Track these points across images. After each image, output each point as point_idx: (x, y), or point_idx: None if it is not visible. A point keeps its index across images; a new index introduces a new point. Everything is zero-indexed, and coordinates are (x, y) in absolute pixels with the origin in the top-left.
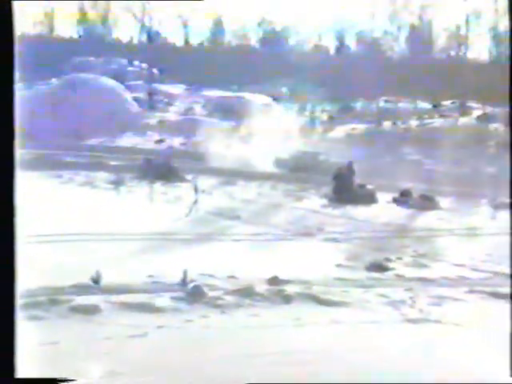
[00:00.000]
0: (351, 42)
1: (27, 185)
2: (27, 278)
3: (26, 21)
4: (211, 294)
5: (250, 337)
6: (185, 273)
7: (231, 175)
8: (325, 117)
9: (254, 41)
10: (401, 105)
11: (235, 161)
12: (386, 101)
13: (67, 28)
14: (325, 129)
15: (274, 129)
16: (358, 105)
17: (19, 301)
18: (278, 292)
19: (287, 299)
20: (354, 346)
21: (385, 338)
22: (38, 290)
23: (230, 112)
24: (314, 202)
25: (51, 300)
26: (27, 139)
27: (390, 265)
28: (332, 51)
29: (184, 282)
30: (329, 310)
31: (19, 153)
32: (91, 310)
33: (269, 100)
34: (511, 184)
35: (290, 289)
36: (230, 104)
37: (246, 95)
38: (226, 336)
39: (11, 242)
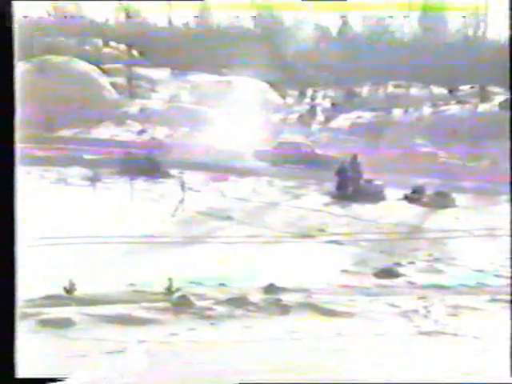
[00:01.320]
0: (355, 22)
1: None
2: None
3: None
4: (199, 303)
5: (242, 352)
6: (170, 280)
7: (222, 170)
8: (327, 104)
9: (246, 20)
10: (413, 90)
11: (226, 154)
12: (395, 86)
13: (36, 6)
14: (327, 117)
15: (268, 118)
16: (364, 90)
17: None
18: (274, 301)
19: (285, 310)
20: (359, 360)
21: (395, 353)
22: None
23: (220, 99)
24: (315, 199)
25: (19, 313)
26: None
27: (401, 270)
28: (334, 32)
29: (169, 291)
30: (332, 321)
31: None
32: (64, 324)
33: (263, 85)
34: (511, 183)
35: (287, 298)
36: (220, 90)
37: (238, 80)
38: (216, 351)
39: (11, 245)
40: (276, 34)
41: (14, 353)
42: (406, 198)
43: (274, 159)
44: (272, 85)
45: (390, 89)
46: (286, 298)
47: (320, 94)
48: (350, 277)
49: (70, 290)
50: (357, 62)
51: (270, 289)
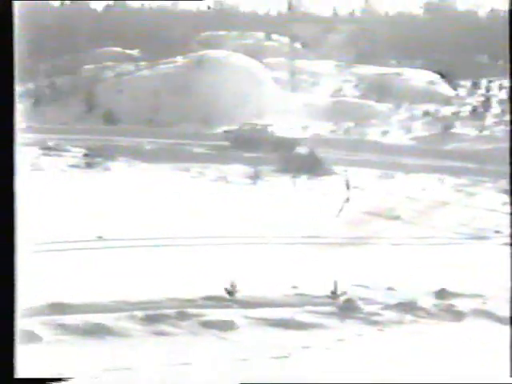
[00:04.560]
0: None
1: (152, 180)
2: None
3: None
4: (366, 308)
5: (412, 360)
6: (335, 284)
7: (390, 167)
8: (503, 95)
9: (416, 7)
10: None
11: (393, 149)
12: None
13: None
14: (503, 110)
15: (438, 111)
16: None
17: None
18: (446, 307)
19: (458, 316)
20: None
21: None
22: (163, 301)
23: (388, 92)
24: (491, 198)
25: (180, 313)
26: (149, 125)
27: None
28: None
29: (334, 295)
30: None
31: (140, 142)
32: (226, 326)
33: (435, 77)
34: (511, 182)
35: (461, 304)
36: (387, 83)
37: (407, 71)
38: (385, 358)
39: (9, 250)
40: (447, 19)
41: (13, 353)
42: None
43: (236, 139)
44: (443, 76)
45: None
46: (459, 303)
47: (495, 85)
48: None
49: (231, 292)
50: None
51: (442, 294)
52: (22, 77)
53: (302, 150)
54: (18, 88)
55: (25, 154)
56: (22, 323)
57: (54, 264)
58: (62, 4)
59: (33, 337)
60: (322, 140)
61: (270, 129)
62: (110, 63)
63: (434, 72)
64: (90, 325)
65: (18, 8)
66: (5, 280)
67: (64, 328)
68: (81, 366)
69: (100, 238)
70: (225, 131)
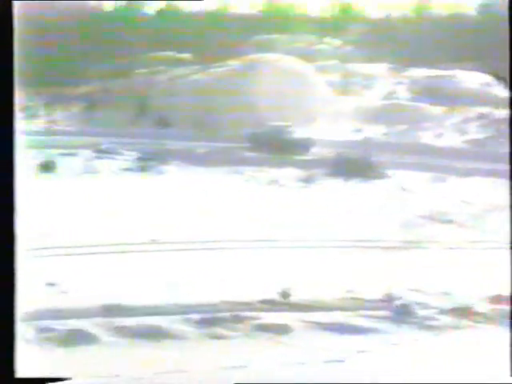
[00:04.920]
0: None
1: (205, 183)
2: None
3: None
4: (422, 312)
5: (469, 366)
6: (390, 288)
7: (443, 170)
8: None
9: (469, 8)
10: None
11: (444, 153)
12: None
13: (246, 2)
14: None
15: (496, 115)
16: None
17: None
18: (502, 312)
19: None
20: None
21: None
22: (218, 304)
23: (441, 95)
24: None
25: (235, 317)
26: (202, 129)
27: None
28: None
29: (389, 299)
30: None
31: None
32: (280, 329)
33: (489, 79)
34: (511, 182)
35: None
36: (441, 85)
37: (460, 73)
38: (440, 363)
39: (8, 254)
40: (501, 21)
41: (13, 353)
42: None
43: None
44: (498, 78)
45: None
46: None
47: None
48: None
49: (286, 295)
50: None
51: (498, 299)
52: (75, 80)
53: (354, 152)
54: (72, 91)
55: (78, 157)
56: (78, 324)
57: (110, 266)
58: (115, 9)
59: (90, 338)
60: (374, 143)
61: (289, 129)
62: (162, 67)
63: (489, 74)
64: (145, 327)
65: (74, 12)
66: (4, 283)
67: (120, 330)
68: (136, 367)
69: (154, 241)
70: (252, 133)
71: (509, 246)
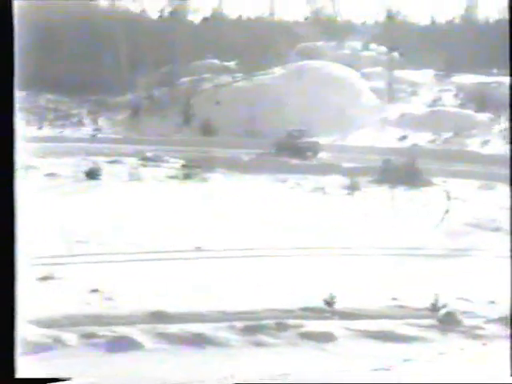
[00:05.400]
0: None
1: (250, 190)
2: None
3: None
4: (468, 322)
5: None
6: (436, 296)
7: (490, 178)
8: None
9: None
10: None
11: (491, 161)
12: None
13: (291, 10)
14: None
15: None
16: None
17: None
18: None
19: None
20: None
21: None
22: (262, 311)
23: (488, 102)
24: None
25: (279, 324)
26: (246, 136)
27: None
28: None
29: (435, 307)
30: None
31: (237, 153)
32: (325, 337)
33: None
34: (511, 181)
35: None
36: (488, 92)
37: (507, 80)
38: (489, 373)
39: (9, 259)
40: None
41: (14, 353)
42: None
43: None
44: None
45: None
46: None
47: None
48: None
49: (330, 303)
50: None
51: None
52: (121, 89)
53: (399, 160)
54: (118, 99)
55: (124, 164)
56: (122, 331)
57: (155, 273)
58: (160, 18)
59: (134, 344)
60: (420, 150)
61: (304, 133)
62: (207, 75)
63: None
64: (189, 334)
65: (121, 21)
66: (4, 283)
67: (164, 337)
68: (180, 374)
69: (199, 248)
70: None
71: None
